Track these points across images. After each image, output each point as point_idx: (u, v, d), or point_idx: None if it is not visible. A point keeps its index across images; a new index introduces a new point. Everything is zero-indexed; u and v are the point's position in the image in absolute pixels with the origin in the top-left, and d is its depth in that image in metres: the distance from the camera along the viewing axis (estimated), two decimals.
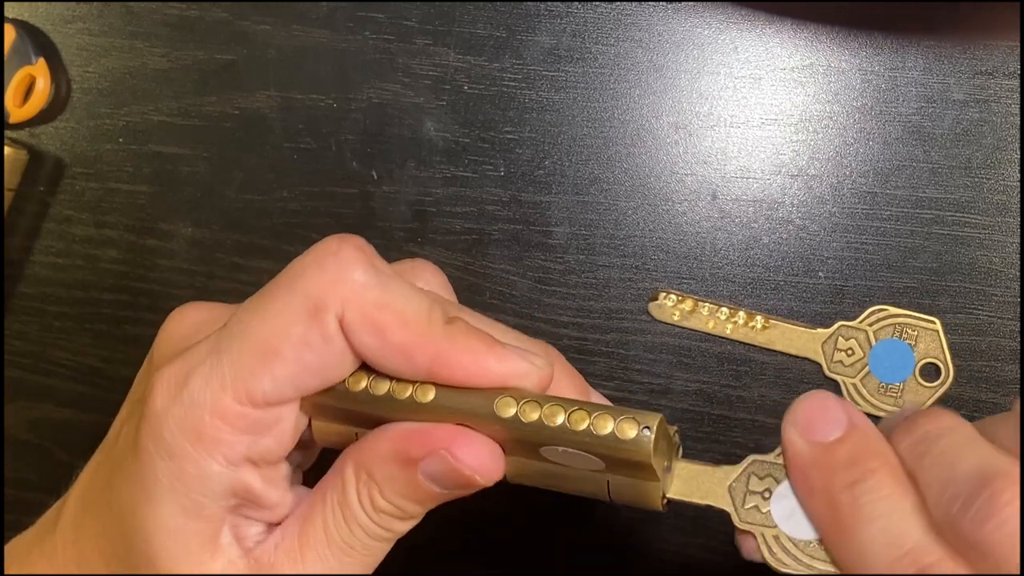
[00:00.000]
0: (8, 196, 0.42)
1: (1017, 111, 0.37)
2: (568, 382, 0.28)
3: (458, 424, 0.25)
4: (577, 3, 0.39)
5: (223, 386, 0.24)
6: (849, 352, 0.38)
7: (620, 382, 0.39)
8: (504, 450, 0.26)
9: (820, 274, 0.38)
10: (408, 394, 0.25)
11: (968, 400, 0.37)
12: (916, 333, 0.37)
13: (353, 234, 0.26)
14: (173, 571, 0.25)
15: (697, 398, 0.39)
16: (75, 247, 0.44)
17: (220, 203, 0.42)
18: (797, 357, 0.38)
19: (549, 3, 0.39)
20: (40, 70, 0.42)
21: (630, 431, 0.24)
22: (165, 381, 0.25)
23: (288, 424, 0.26)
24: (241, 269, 0.42)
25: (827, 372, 0.38)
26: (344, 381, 0.26)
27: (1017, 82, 0.37)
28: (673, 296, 0.39)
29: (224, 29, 0.41)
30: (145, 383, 0.27)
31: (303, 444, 0.27)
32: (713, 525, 0.40)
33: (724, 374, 0.39)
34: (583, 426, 0.24)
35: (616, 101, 0.39)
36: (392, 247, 0.40)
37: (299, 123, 0.41)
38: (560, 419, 0.24)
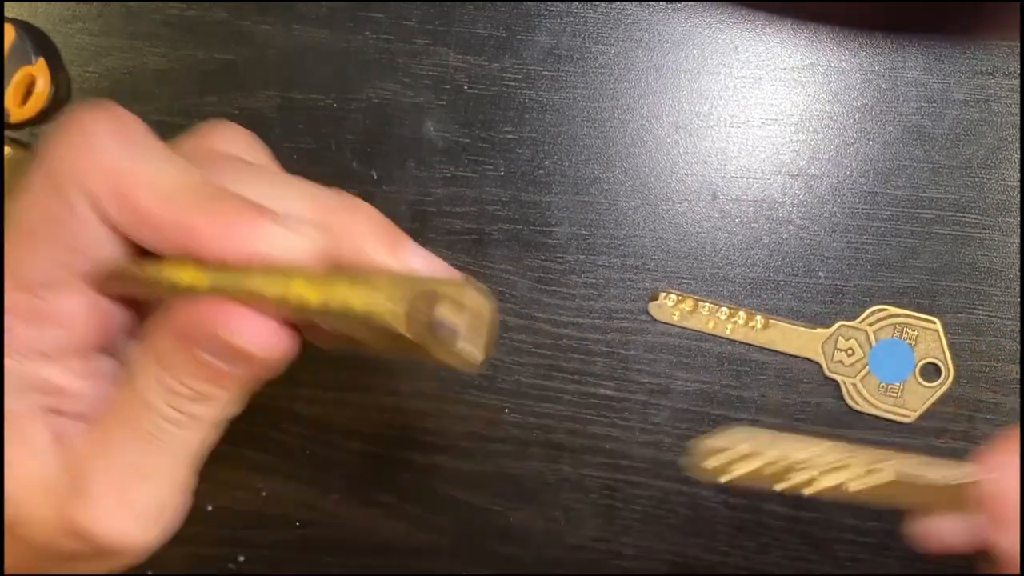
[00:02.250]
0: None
1: (1017, 111, 0.37)
2: (378, 243, 0.25)
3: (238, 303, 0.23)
4: (577, 3, 0.39)
5: (6, 278, 0.24)
6: (849, 352, 0.38)
7: (620, 382, 0.39)
8: (297, 326, 0.24)
9: (820, 274, 0.38)
10: (186, 278, 0.23)
11: (968, 400, 0.37)
12: (916, 333, 0.37)
13: (113, 103, 0.24)
14: None
15: (697, 398, 0.39)
16: None
17: None
18: (797, 357, 0.38)
19: (549, 3, 0.39)
20: (40, 70, 0.42)
21: (378, 304, 0.22)
22: None
23: (76, 312, 0.24)
24: None
25: (827, 372, 0.38)
26: (126, 266, 0.24)
27: (1017, 82, 0.37)
28: (673, 296, 0.39)
29: (224, 29, 0.41)
30: None
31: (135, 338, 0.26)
32: (713, 525, 0.40)
33: (724, 374, 0.39)
34: (339, 304, 0.22)
35: (616, 101, 0.39)
36: None
37: (299, 123, 0.41)
38: (317, 297, 0.23)
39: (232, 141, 0.27)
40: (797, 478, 0.26)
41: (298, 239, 0.23)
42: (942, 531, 0.27)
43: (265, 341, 0.23)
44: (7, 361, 0.24)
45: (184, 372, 0.24)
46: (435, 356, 0.24)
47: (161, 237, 0.23)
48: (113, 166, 0.23)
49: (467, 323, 0.24)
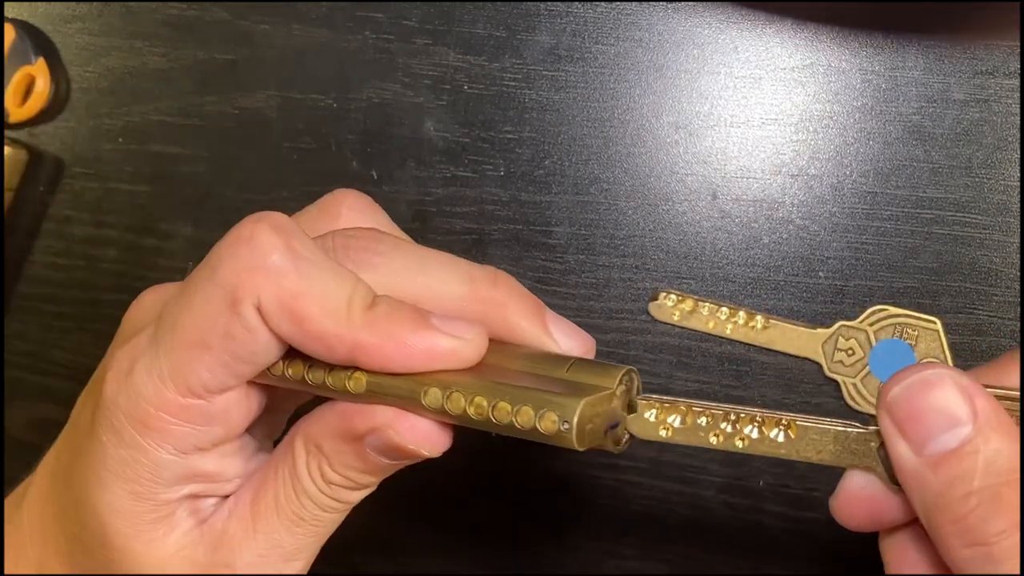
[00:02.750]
0: (8, 196, 0.42)
1: (1017, 111, 0.37)
2: (522, 312, 0.27)
3: (398, 407, 0.25)
4: (577, 3, 0.39)
5: (163, 380, 0.24)
6: (849, 352, 0.38)
7: None
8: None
9: (820, 274, 0.38)
10: (342, 383, 0.25)
11: None
12: (916, 333, 0.37)
13: (273, 212, 0.25)
14: (124, 548, 0.26)
15: (697, 398, 0.39)
16: (75, 247, 0.44)
17: (220, 203, 0.42)
18: (797, 357, 0.38)
19: (549, 3, 0.39)
20: (40, 70, 0.42)
21: (550, 426, 0.23)
22: (115, 368, 0.25)
23: (235, 410, 0.25)
24: None
25: (827, 372, 0.38)
26: (282, 366, 0.25)
27: (1017, 82, 0.37)
28: (673, 296, 0.39)
29: (224, 29, 0.41)
30: (104, 363, 0.27)
31: (269, 413, 0.27)
32: (713, 525, 0.40)
33: (724, 374, 0.39)
34: (506, 420, 0.24)
35: (616, 101, 0.39)
36: None
37: (299, 123, 0.41)
38: (485, 411, 0.24)
39: (358, 210, 0.29)
40: (725, 429, 0.26)
41: (464, 346, 0.25)
42: (860, 495, 0.25)
43: (432, 444, 0.25)
44: (167, 457, 0.25)
45: (346, 464, 0.26)
46: (598, 447, 0.25)
47: (330, 352, 0.24)
48: (286, 285, 0.24)
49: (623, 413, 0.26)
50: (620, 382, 0.25)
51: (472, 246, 0.40)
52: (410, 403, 0.24)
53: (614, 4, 0.39)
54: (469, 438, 0.41)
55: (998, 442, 0.22)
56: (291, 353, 0.25)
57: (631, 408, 0.26)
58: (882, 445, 0.24)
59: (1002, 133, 0.37)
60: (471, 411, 0.24)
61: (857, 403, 0.38)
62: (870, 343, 0.38)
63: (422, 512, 0.41)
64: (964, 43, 0.37)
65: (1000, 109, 0.37)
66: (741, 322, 0.38)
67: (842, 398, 0.38)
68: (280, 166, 0.42)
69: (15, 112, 0.42)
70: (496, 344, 0.26)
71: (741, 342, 0.38)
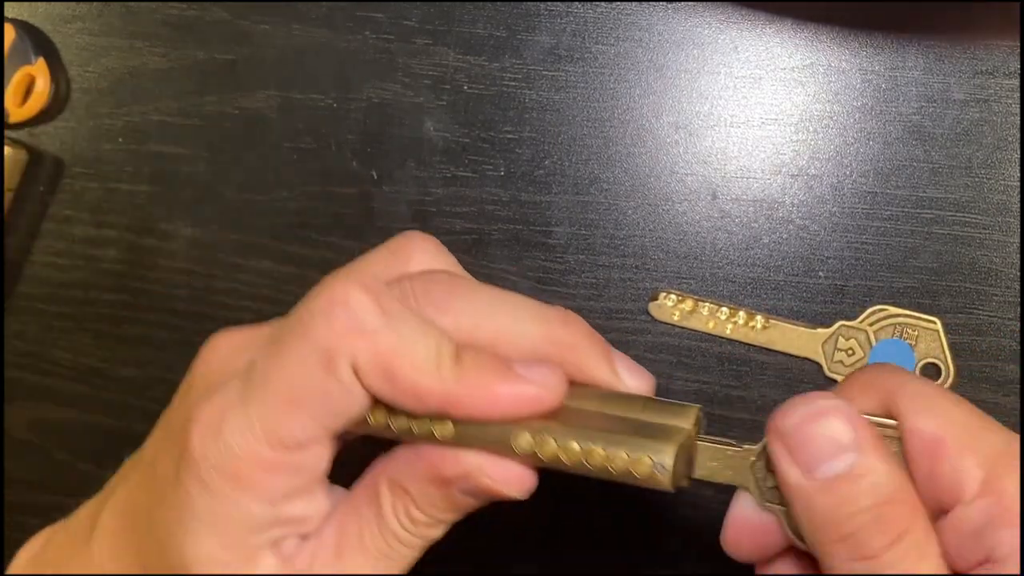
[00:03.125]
0: (8, 196, 0.42)
1: (1017, 111, 0.37)
2: (593, 353, 0.28)
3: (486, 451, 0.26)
4: (577, 3, 0.39)
5: (255, 436, 0.25)
6: (849, 352, 0.38)
7: None
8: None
9: (820, 274, 0.38)
10: (427, 429, 0.26)
11: (969, 400, 0.37)
12: (916, 333, 0.37)
13: (358, 269, 0.27)
14: None
15: (697, 398, 0.39)
16: (75, 247, 0.44)
17: (220, 203, 0.42)
18: (797, 357, 0.38)
19: (549, 3, 0.39)
20: (40, 70, 0.42)
21: (643, 468, 0.24)
22: (203, 422, 0.26)
23: (322, 457, 0.26)
24: (241, 269, 0.42)
25: (827, 372, 0.38)
26: (368, 415, 0.26)
27: (1017, 82, 0.37)
28: (673, 296, 0.39)
29: (224, 29, 0.41)
30: (182, 410, 0.27)
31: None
32: (713, 525, 0.40)
33: (724, 374, 0.39)
34: (598, 462, 0.25)
35: (616, 101, 0.39)
36: None
37: (299, 123, 0.41)
38: (575, 454, 0.25)
39: (430, 253, 0.29)
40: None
41: (546, 392, 0.26)
42: (746, 522, 0.27)
43: (521, 483, 0.26)
44: (259, 507, 0.26)
45: (433, 505, 0.26)
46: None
47: (421, 406, 0.25)
48: (380, 345, 0.25)
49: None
50: (696, 422, 0.26)
51: (472, 246, 0.40)
52: (500, 448, 0.25)
53: (614, 4, 0.39)
54: None
55: (881, 467, 0.24)
56: (375, 402, 0.26)
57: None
58: (756, 464, 0.26)
59: (1002, 133, 0.37)
60: (563, 456, 0.25)
61: None
62: (870, 343, 0.38)
63: None
64: (964, 43, 0.37)
65: (1000, 109, 0.37)
66: (741, 322, 0.38)
67: None
68: (280, 166, 0.42)
69: (15, 112, 0.42)
70: (570, 386, 0.27)
71: (741, 342, 0.38)
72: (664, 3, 0.39)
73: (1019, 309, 0.37)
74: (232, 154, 0.42)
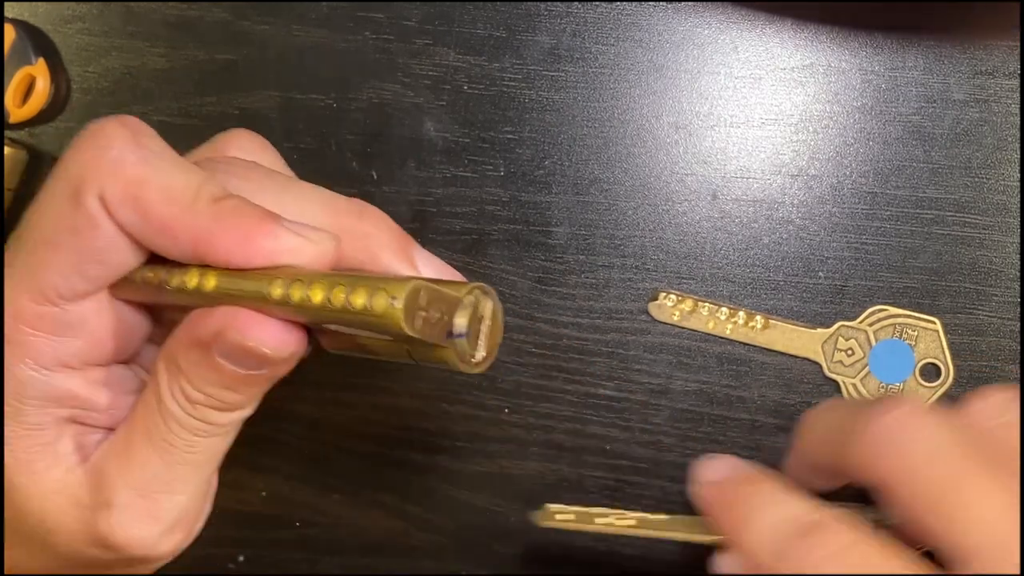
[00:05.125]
0: (8, 196, 0.42)
1: (1017, 111, 0.37)
2: (386, 244, 0.26)
3: (247, 306, 0.24)
4: (577, 3, 0.39)
5: (18, 287, 0.24)
6: (849, 352, 0.38)
7: (620, 382, 0.39)
8: (306, 326, 0.25)
9: (820, 274, 0.38)
10: (196, 282, 0.24)
11: None
12: (916, 333, 0.37)
13: (131, 117, 0.25)
14: (9, 481, 0.25)
15: (697, 398, 0.39)
16: None
17: None
18: (797, 357, 0.38)
19: (549, 3, 0.39)
20: (40, 70, 0.42)
21: (381, 303, 0.23)
22: None
23: (96, 322, 0.25)
24: None
25: (827, 372, 0.38)
26: (140, 272, 0.25)
27: (1017, 82, 0.37)
28: (673, 296, 0.39)
29: (224, 29, 0.41)
30: None
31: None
32: None
33: (724, 374, 0.39)
34: (340, 302, 0.23)
35: (616, 101, 0.39)
36: None
37: (299, 123, 0.41)
38: (320, 297, 0.23)
39: (247, 148, 0.28)
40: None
41: (309, 244, 0.24)
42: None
43: (276, 341, 0.24)
44: (28, 372, 0.24)
45: (203, 380, 0.24)
46: (442, 360, 0.24)
47: (175, 244, 0.24)
48: (129, 174, 0.23)
49: (477, 327, 0.25)
50: (470, 292, 0.25)
51: (472, 246, 0.40)
52: (258, 301, 0.24)
53: (614, 4, 0.39)
54: (467, 438, 0.41)
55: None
56: (149, 260, 0.24)
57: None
58: None
59: (1002, 133, 0.37)
60: (312, 296, 0.23)
61: None
62: (870, 343, 0.38)
63: (422, 512, 0.41)
64: (964, 43, 0.37)
65: (1000, 109, 0.37)
66: (741, 322, 0.38)
67: (842, 398, 0.38)
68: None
69: (15, 112, 0.42)
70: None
71: (741, 342, 0.38)
72: (664, 3, 0.39)
73: (1019, 309, 0.37)
74: None
